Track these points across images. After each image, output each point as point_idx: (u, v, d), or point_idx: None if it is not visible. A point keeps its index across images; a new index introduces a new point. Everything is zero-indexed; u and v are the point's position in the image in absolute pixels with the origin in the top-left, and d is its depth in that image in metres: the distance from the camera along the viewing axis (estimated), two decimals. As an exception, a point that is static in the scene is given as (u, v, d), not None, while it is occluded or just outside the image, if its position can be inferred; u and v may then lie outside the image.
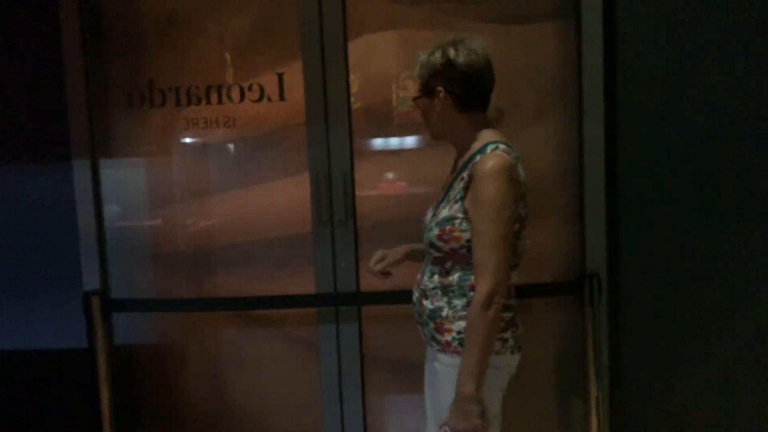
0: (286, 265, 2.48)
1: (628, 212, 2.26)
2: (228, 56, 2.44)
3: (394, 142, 2.45)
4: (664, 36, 2.20)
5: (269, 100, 2.42)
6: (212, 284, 2.52)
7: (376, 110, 2.42)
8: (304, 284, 2.42)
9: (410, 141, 2.42)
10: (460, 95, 1.68)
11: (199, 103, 2.44)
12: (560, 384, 2.44)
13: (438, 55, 1.67)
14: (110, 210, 2.50)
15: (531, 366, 2.37)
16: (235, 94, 2.42)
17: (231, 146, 2.50)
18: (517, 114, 2.36)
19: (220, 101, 2.43)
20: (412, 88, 2.32)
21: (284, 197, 2.46)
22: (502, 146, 1.64)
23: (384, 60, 2.39)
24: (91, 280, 2.45)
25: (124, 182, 2.50)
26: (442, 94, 1.69)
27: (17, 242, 2.48)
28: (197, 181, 2.51)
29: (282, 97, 2.41)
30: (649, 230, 2.26)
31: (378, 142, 2.44)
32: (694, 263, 2.26)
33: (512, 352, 1.70)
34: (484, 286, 1.55)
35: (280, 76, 2.40)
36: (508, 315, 1.68)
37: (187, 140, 2.49)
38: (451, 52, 1.66)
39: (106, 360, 2.42)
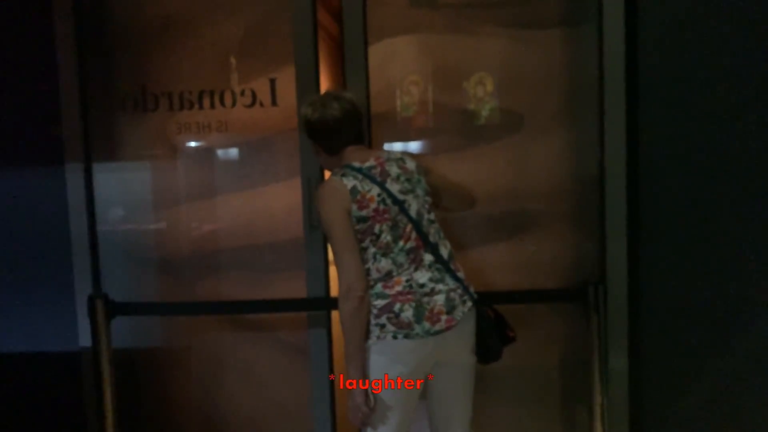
0: (281, 269, 2.47)
1: (648, 219, 2.24)
2: (220, 61, 2.43)
3: (397, 146, 2.42)
4: (686, 41, 2.16)
5: (261, 105, 2.42)
6: (205, 288, 2.52)
7: (382, 116, 2.39)
8: (299, 288, 2.40)
9: (412, 146, 2.42)
10: (322, 145, 1.94)
11: (191, 107, 2.44)
12: (566, 391, 2.42)
13: (301, 113, 1.94)
14: (104, 214, 2.49)
15: (540, 372, 2.41)
16: (228, 99, 2.42)
17: (223, 151, 2.50)
18: (537, 119, 2.34)
19: (212, 106, 2.43)
20: (416, 93, 2.37)
21: (278, 202, 2.45)
22: (335, 174, 1.87)
23: (400, 66, 2.38)
24: (82, 285, 2.45)
25: (118, 186, 2.51)
26: (314, 144, 1.96)
27: (11, 246, 2.50)
28: (190, 186, 2.51)
29: (274, 102, 2.41)
30: (669, 237, 2.24)
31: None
32: (714, 271, 2.22)
33: (395, 337, 1.79)
34: (340, 287, 1.79)
35: (273, 81, 2.40)
36: (380, 302, 1.81)
37: (180, 145, 2.49)
38: (309, 111, 1.89)
39: (109, 363, 2.44)
